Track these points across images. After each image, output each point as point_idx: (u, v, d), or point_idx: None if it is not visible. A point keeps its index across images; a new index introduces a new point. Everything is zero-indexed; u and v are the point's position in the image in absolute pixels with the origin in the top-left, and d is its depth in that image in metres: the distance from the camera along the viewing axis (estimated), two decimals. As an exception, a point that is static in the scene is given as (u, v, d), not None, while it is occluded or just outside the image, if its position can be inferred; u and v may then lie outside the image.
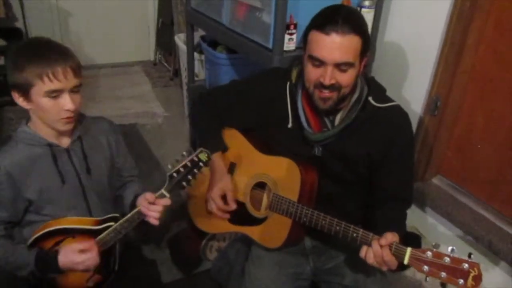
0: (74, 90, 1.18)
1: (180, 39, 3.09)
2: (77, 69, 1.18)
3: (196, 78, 2.63)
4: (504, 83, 1.57)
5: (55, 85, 1.14)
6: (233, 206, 1.40)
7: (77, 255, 1.22)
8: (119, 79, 4.11)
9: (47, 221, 1.26)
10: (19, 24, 3.72)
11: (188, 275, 1.95)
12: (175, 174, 1.21)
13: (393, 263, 1.11)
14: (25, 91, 1.16)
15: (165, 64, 4.38)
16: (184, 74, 3.16)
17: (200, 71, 2.79)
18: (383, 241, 1.10)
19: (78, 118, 1.27)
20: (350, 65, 1.18)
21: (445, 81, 1.69)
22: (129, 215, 1.26)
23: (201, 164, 1.22)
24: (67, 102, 1.16)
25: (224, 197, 1.41)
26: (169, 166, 1.23)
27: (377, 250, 1.11)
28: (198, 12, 2.17)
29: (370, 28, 1.78)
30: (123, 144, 1.45)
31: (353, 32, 1.15)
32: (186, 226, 2.05)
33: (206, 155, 1.22)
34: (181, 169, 1.21)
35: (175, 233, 2.05)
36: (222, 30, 1.94)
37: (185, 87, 3.13)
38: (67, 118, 1.19)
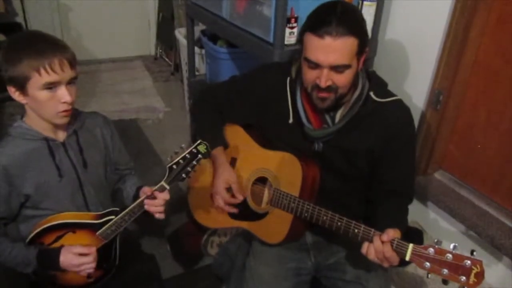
0: (70, 82, 1.17)
1: (180, 34, 3.07)
2: (73, 61, 1.17)
3: (196, 73, 2.62)
4: (507, 77, 1.55)
5: (52, 77, 1.12)
6: (240, 197, 1.39)
7: (75, 258, 1.22)
8: (119, 74, 4.11)
9: (44, 216, 1.25)
10: (19, 19, 3.71)
11: (189, 270, 1.95)
12: (174, 166, 1.22)
13: (395, 259, 1.10)
14: (22, 85, 1.14)
15: (166, 59, 4.37)
16: (184, 68, 3.15)
17: (201, 66, 2.78)
18: (385, 237, 1.10)
19: (73, 113, 1.26)
20: (346, 66, 1.16)
21: (448, 75, 1.67)
22: (129, 207, 1.26)
23: (200, 156, 1.22)
24: (64, 95, 1.15)
25: (229, 190, 1.40)
26: (169, 159, 1.24)
27: (378, 246, 1.10)
28: (198, 6, 2.15)
29: (372, 21, 1.76)
30: (118, 138, 1.45)
31: (348, 34, 1.12)
32: (186, 221, 2.05)
33: (204, 146, 1.22)
34: (181, 161, 1.22)
35: (175, 228, 2.06)
36: (222, 24, 1.93)
37: (185, 82, 3.11)
38: (65, 111, 1.18)
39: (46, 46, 1.13)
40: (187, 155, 1.22)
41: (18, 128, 1.23)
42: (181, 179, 1.23)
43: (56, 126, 1.25)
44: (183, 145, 1.25)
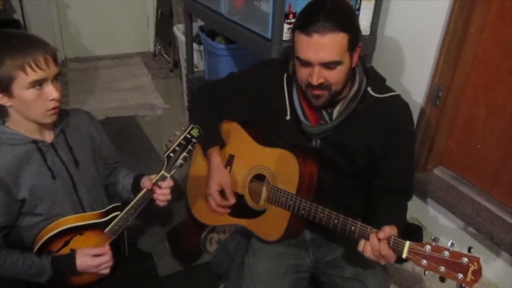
0: (55, 79, 1.16)
1: (179, 30, 3.06)
2: (56, 57, 1.15)
3: (195, 69, 2.61)
4: (507, 72, 1.55)
5: (38, 74, 1.10)
6: (231, 200, 1.41)
7: (92, 260, 1.23)
8: (118, 70, 4.09)
9: (42, 222, 1.24)
10: (17, 16, 3.69)
11: (188, 268, 1.95)
12: (171, 154, 1.24)
13: (391, 257, 1.09)
14: (6, 87, 1.10)
15: (165, 55, 4.36)
16: (183, 65, 3.14)
17: (200, 62, 2.76)
18: (381, 234, 1.09)
19: (59, 111, 1.23)
20: (337, 63, 1.16)
21: (447, 70, 1.66)
22: (134, 201, 1.27)
23: (194, 140, 1.25)
24: (52, 91, 1.13)
25: (222, 192, 1.40)
26: (164, 147, 1.26)
27: (374, 243, 1.10)
28: (197, 2, 2.15)
29: (370, 17, 1.75)
30: (103, 132, 1.44)
31: (336, 30, 1.11)
32: (185, 218, 2.04)
33: (197, 130, 1.25)
34: (177, 148, 1.24)
35: (174, 225, 2.05)
36: (221, 20, 1.92)
37: (184, 78, 3.10)
38: (53, 108, 1.16)
39: (27, 43, 1.10)
40: (182, 141, 1.23)
41: (3, 134, 1.19)
42: (180, 166, 1.25)
43: (43, 127, 1.23)
44: (177, 132, 1.27)
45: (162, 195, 1.28)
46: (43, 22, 3.88)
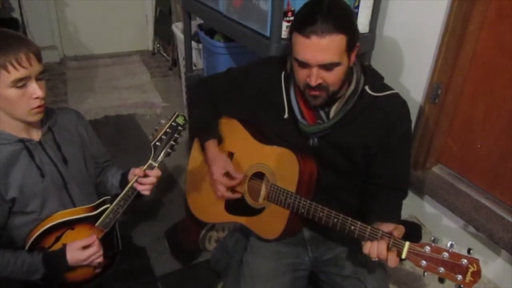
0: (39, 77, 1.15)
1: (178, 28, 3.05)
2: (39, 54, 1.14)
3: (194, 68, 2.61)
4: (506, 70, 1.54)
5: (21, 73, 1.09)
6: (239, 177, 1.38)
7: (81, 252, 1.22)
8: (117, 69, 4.09)
9: (34, 221, 1.24)
10: (15, 15, 3.69)
11: (187, 266, 1.95)
12: (158, 143, 1.24)
13: (394, 260, 1.09)
14: None
15: (164, 54, 4.35)
16: (182, 63, 3.13)
17: (198, 61, 2.76)
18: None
19: (45, 110, 1.23)
20: (335, 64, 1.15)
21: (446, 68, 1.66)
22: (123, 192, 1.27)
23: (180, 128, 1.25)
24: (36, 89, 1.13)
25: (227, 175, 1.39)
26: (150, 137, 1.26)
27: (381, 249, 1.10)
28: (195, 0, 2.14)
29: (369, 15, 1.75)
30: (92, 131, 1.44)
31: (335, 31, 1.10)
32: (184, 217, 2.04)
33: (182, 118, 1.25)
34: (163, 137, 1.24)
35: (173, 224, 2.05)
36: (219, 18, 1.91)
37: (183, 77, 3.10)
38: (38, 107, 1.16)
39: (9, 41, 1.10)
40: (167, 129, 1.24)
41: None
42: (167, 154, 1.25)
43: (30, 125, 1.22)
44: (162, 121, 1.27)
45: (145, 184, 1.27)
46: (42, 21, 3.88)
